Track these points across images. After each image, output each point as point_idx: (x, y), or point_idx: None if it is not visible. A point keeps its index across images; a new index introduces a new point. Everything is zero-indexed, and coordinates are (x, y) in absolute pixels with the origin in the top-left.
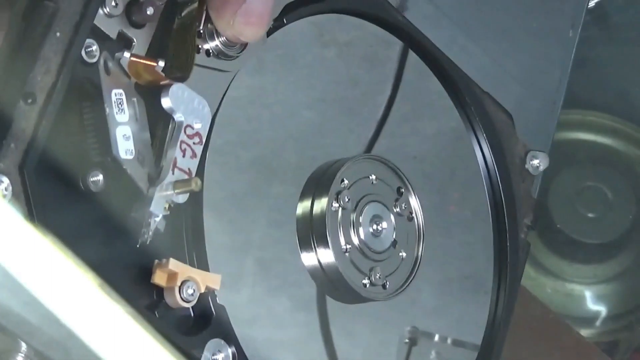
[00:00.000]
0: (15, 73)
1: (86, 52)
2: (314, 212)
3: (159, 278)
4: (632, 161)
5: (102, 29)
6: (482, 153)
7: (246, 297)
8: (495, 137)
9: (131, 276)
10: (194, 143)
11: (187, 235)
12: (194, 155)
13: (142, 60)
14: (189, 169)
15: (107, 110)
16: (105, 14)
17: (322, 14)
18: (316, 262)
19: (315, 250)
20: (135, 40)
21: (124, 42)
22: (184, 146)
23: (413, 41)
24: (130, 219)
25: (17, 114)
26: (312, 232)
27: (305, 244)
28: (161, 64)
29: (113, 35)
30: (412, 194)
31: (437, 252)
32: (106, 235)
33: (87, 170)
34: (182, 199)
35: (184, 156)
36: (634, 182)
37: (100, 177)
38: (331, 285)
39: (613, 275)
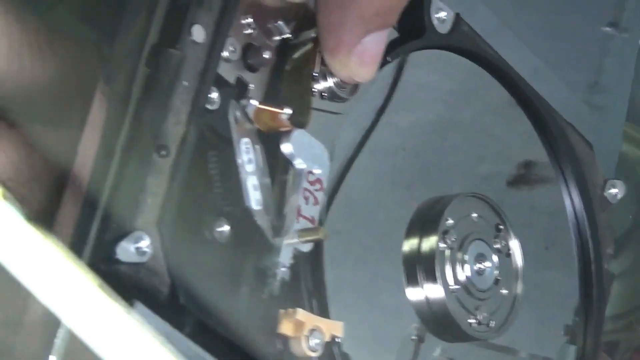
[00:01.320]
0: (145, 124)
1: (208, 100)
2: (422, 249)
3: (286, 328)
4: (632, 161)
5: (221, 74)
6: (565, 184)
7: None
8: (578, 168)
9: (256, 326)
10: (315, 190)
11: (307, 283)
12: (316, 202)
13: (269, 108)
14: (312, 216)
15: (239, 161)
16: (224, 59)
17: (420, 50)
18: (423, 298)
19: (423, 286)
20: (251, 85)
21: (241, 88)
22: (306, 193)
23: (503, 75)
24: (255, 270)
25: (151, 167)
26: (420, 268)
27: (412, 280)
28: (287, 111)
29: (232, 80)
30: (510, 230)
31: (527, 287)
32: (230, 286)
33: (213, 221)
34: (306, 247)
35: (307, 203)
36: (634, 182)
37: (227, 227)
38: (436, 322)
39: None
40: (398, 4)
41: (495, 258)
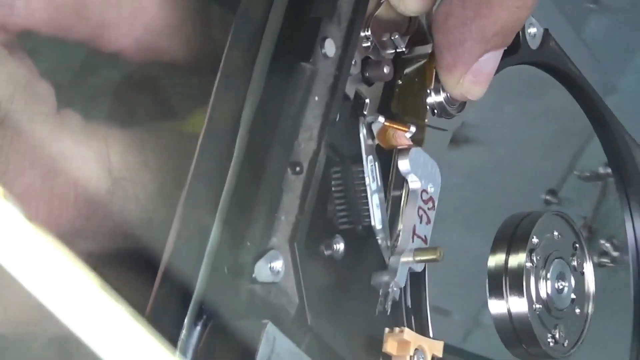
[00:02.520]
0: (279, 141)
1: (354, 120)
2: (509, 265)
3: (391, 347)
4: None
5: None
6: (629, 210)
7: None
8: (638, 184)
9: (363, 345)
10: (428, 208)
11: (405, 300)
12: (428, 221)
13: (396, 126)
14: (424, 236)
15: (367, 179)
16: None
17: (514, 65)
18: (505, 311)
19: (508, 299)
20: (367, 99)
21: (358, 102)
22: (420, 212)
23: (582, 94)
24: (369, 288)
25: (285, 185)
26: (507, 283)
27: (497, 293)
28: (413, 129)
29: (351, 94)
30: (585, 250)
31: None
32: (345, 303)
33: (329, 238)
34: (419, 268)
35: (420, 222)
36: None
37: (342, 245)
38: (515, 336)
39: None
40: (518, 25)
41: (572, 277)
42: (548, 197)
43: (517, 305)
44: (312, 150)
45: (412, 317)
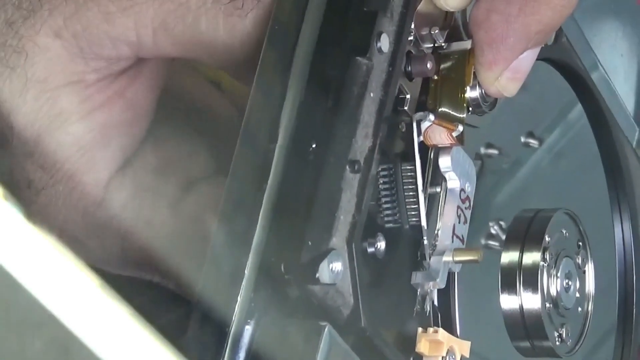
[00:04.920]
0: (337, 138)
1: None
2: (524, 263)
3: (424, 347)
4: None
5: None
6: (619, 211)
7: None
8: (628, 185)
9: (397, 344)
10: (465, 208)
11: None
12: (465, 220)
13: (444, 124)
14: (462, 235)
15: (419, 177)
16: None
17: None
18: (517, 306)
19: (521, 295)
20: (408, 95)
21: (399, 98)
22: (459, 211)
23: (586, 93)
24: (409, 288)
25: (344, 183)
26: (520, 279)
27: (510, 289)
28: (460, 129)
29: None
30: (588, 248)
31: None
32: (386, 303)
33: (373, 236)
34: (457, 268)
35: (459, 222)
36: None
37: (383, 243)
38: (525, 332)
39: None
40: (560, 23)
41: (578, 275)
42: None
43: (530, 301)
44: (367, 148)
45: (439, 317)
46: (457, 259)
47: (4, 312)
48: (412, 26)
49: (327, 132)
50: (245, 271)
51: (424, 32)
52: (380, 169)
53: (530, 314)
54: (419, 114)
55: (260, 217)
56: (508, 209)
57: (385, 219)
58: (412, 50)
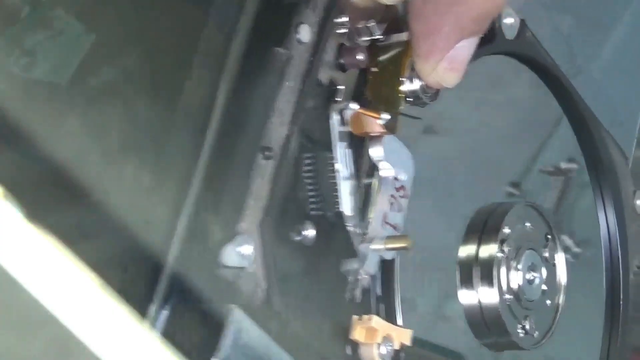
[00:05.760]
0: (250, 125)
1: (328, 107)
2: (480, 255)
3: (359, 334)
4: None
5: (319, 75)
6: (601, 194)
7: None
8: (612, 177)
9: (329, 331)
10: (400, 196)
11: (374, 288)
12: (400, 208)
13: (368, 113)
14: (396, 223)
15: (338, 166)
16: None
17: (488, 55)
18: (476, 302)
19: (478, 290)
20: (341, 86)
21: (332, 89)
22: (392, 200)
23: (555, 84)
24: (338, 275)
25: (255, 170)
26: (477, 273)
27: (467, 283)
28: (385, 116)
29: (325, 81)
30: (557, 241)
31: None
32: (314, 290)
33: (300, 224)
34: (390, 256)
35: (391, 210)
36: None
37: (312, 231)
38: (486, 326)
39: None
40: (495, 11)
41: (544, 269)
42: (510, 190)
43: (488, 295)
44: (284, 135)
45: (382, 306)
46: (387, 246)
47: (4, 312)
48: (346, 19)
49: (243, 120)
50: (170, 253)
51: (362, 25)
52: (305, 157)
53: (489, 308)
54: (339, 104)
55: (187, 202)
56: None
57: (311, 206)
58: (347, 43)
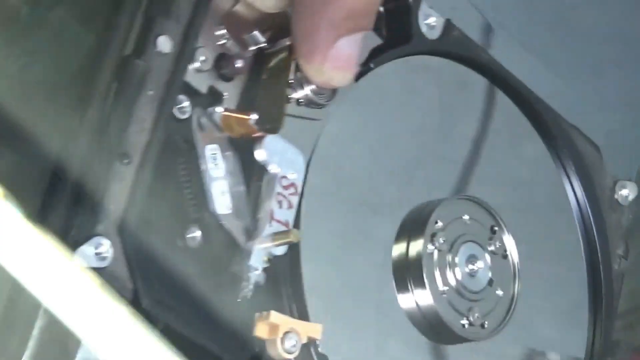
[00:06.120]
0: (110, 133)
1: (178, 109)
2: (409, 254)
3: (261, 331)
4: None
5: (193, 84)
6: (571, 187)
7: (347, 344)
8: (584, 171)
9: (232, 330)
10: (289, 194)
11: (286, 286)
12: (290, 206)
13: (234, 114)
14: (286, 220)
15: (203, 166)
16: (195, 69)
17: (409, 56)
18: (414, 305)
19: (413, 292)
20: (225, 93)
21: (215, 97)
22: (280, 197)
23: (498, 78)
24: (228, 274)
25: (112, 174)
26: (409, 274)
27: (403, 287)
28: (254, 116)
29: (203, 90)
30: (506, 232)
31: (532, 288)
32: (203, 290)
33: (184, 227)
34: (280, 251)
35: (280, 207)
36: None
37: (199, 233)
38: (429, 327)
39: None
40: (368, 8)
41: (487, 259)
42: None
43: (423, 296)
44: (144, 142)
45: (293, 304)
46: (274, 242)
47: (4, 311)
48: (225, 30)
49: (103, 128)
50: None
51: (246, 35)
52: (179, 162)
53: (426, 308)
54: (210, 108)
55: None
56: None
57: (192, 209)
58: (229, 52)
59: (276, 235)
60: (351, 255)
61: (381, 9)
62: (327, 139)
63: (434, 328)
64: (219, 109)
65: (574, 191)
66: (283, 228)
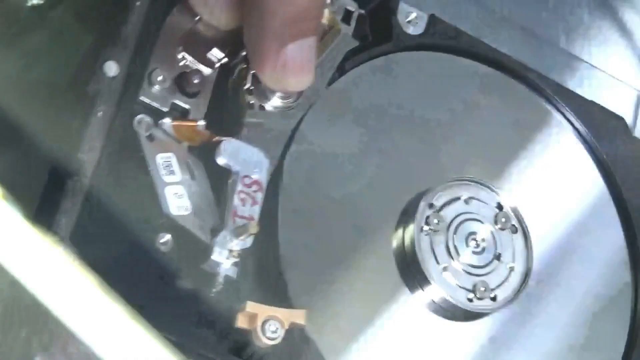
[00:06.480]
0: (63, 151)
1: (139, 125)
2: (405, 241)
3: (242, 322)
4: None
5: (153, 103)
6: (598, 160)
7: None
8: (609, 144)
9: (216, 324)
10: (253, 191)
11: (264, 275)
12: (254, 202)
13: (182, 123)
14: (250, 215)
15: (152, 173)
16: (155, 89)
17: (391, 53)
18: (419, 288)
19: (416, 277)
20: (189, 108)
21: (180, 112)
22: (242, 195)
23: (499, 64)
24: (199, 271)
25: (65, 190)
26: (408, 260)
27: (405, 274)
28: (201, 123)
29: (166, 107)
30: (514, 207)
31: (566, 267)
32: (181, 289)
33: (156, 233)
34: (247, 244)
35: (244, 205)
36: None
37: (169, 237)
38: (438, 306)
39: None
40: (307, 14)
41: (492, 234)
42: None
43: (424, 279)
44: (94, 160)
45: (275, 293)
46: (238, 237)
47: (4, 310)
48: (183, 51)
49: (54, 148)
50: None
51: (206, 52)
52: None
53: (431, 289)
54: (150, 123)
55: None
56: None
57: (158, 214)
58: (188, 70)
59: (237, 229)
60: (340, 246)
61: (362, 11)
62: (302, 140)
63: (442, 306)
64: (167, 121)
65: (601, 164)
66: (247, 223)
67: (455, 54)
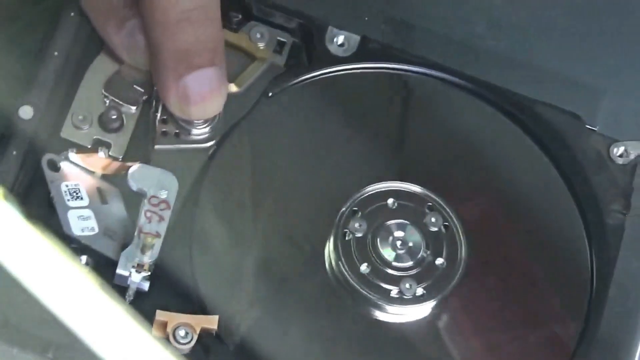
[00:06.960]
0: None
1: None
2: (329, 247)
3: (155, 330)
4: None
5: (74, 140)
6: (550, 158)
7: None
8: (559, 141)
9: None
10: (160, 209)
11: (178, 285)
12: (161, 219)
13: (86, 153)
14: (157, 231)
15: (55, 199)
16: (76, 127)
17: (316, 77)
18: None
19: (342, 283)
20: (112, 142)
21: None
22: (149, 214)
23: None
24: (115, 287)
25: None
26: (332, 264)
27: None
28: (101, 153)
29: (88, 144)
30: (444, 206)
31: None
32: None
33: (75, 255)
34: (149, 258)
35: (150, 222)
36: None
37: (85, 257)
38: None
39: None
40: (194, 48)
41: (419, 234)
42: None
43: (349, 281)
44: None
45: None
46: (143, 251)
47: (4, 310)
48: (104, 92)
49: None
50: None
51: (130, 90)
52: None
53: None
54: (64, 153)
55: None
56: None
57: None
58: (111, 109)
59: (141, 244)
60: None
61: (295, 40)
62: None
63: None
64: (71, 151)
65: (553, 161)
66: (156, 238)
67: (387, 69)
